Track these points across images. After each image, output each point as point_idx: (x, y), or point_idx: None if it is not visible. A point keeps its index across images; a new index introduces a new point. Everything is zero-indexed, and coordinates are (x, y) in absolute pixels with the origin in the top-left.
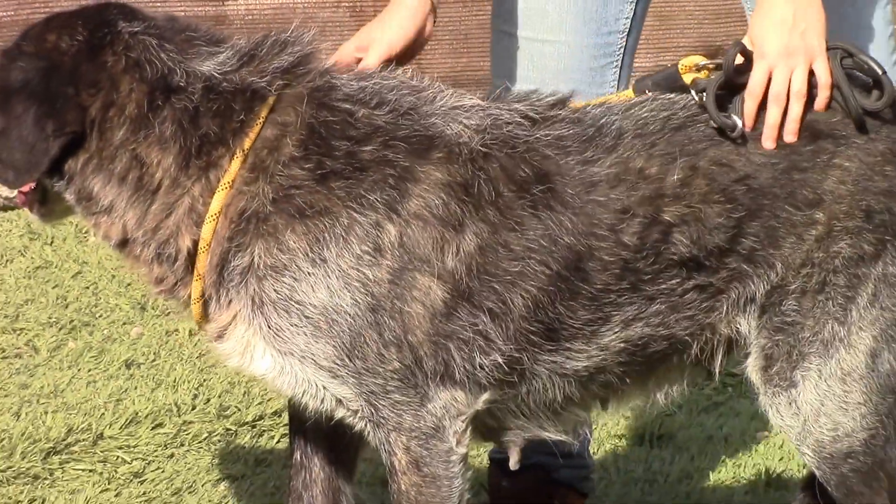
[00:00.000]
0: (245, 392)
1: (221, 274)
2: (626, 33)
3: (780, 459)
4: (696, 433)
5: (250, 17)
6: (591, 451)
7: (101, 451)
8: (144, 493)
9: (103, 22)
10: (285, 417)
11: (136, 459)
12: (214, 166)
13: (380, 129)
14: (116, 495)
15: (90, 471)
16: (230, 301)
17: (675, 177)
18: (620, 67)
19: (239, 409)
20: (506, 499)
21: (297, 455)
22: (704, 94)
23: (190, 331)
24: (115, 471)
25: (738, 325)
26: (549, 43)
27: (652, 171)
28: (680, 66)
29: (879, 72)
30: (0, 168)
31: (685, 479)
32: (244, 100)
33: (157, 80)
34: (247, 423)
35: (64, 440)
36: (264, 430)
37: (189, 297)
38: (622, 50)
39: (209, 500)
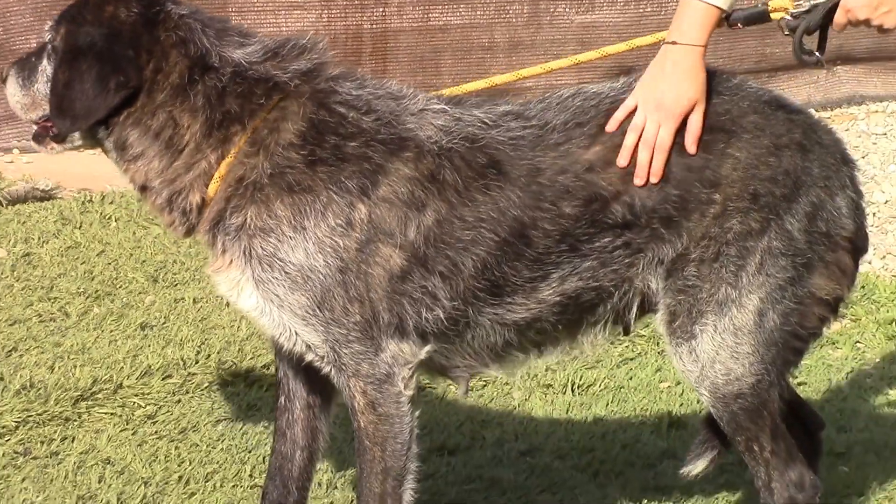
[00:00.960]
0: (239, 349)
1: (218, 227)
2: None
3: (680, 406)
4: (611, 384)
5: None
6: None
7: (121, 398)
8: (156, 432)
9: (154, 1)
10: (272, 370)
11: (149, 404)
12: (230, 140)
13: (364, 131)
14: (133, 434)
15: (111, 414)
16: (225, 250)
17: (613, 156)
18: None
19: (234, 363)
20: None
21: (282, 400)
22: (794, 32)
23: (194, 299)
24: (132, 414)
25: (650, 283)
26: None
27: (591, 155)
28: (770, 7)
29: None
30: (58, 115)
31: (601, 421)
32: (265, 88)
33: (198, 57)
34: (240, 374)
35: (90, 389)
36: (255, 381)
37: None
38: None
39: (209, 438)
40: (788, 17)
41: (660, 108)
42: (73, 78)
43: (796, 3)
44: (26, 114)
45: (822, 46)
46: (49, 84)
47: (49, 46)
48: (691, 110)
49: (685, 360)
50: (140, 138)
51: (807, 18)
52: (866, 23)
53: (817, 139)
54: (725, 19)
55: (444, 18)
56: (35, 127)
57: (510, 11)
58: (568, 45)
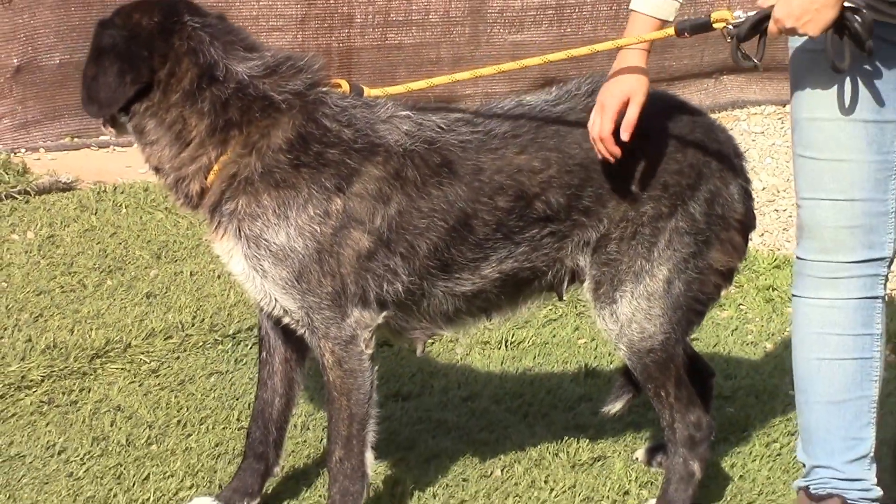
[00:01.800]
0: (228, 314)
1: (215, 210)
2: None
3: (594, 358)
4: (537, 340)
5: None
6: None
7: (129, 356)
8: (159, 384)
9: (174, 11)
10: (255, 331)
11: (153, 361)
12: (227, 142)
13: (344, 141)
14: (139, 385)
15: (121, 369)
16: (220, 226)
17: (536, 164)
18: None
19: (224, 326)
20: None
21: (264, 355)
22: (734, 39)
23: (191, 272)
24: (139, 369)
25: (578, 261)
26: (846, 161)
27: (521, 160)
28: (713, 17)
29: None
30: (87, 103)
31: (529, 372)
32: (262, 105)
33: (206, 67)
34: (229, 335)
35: (103, 348)
36: (241, 340)
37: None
38: None
39: (203, 388)
40: (730, 27)
41: (602, 106)
42: (98, 72)
43: (736, 14)
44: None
45: (760, 52)
46: None
47: None
48: (627, 101)
49: (607, 321)
50: (156, 128)
51: (742, 27)
52: (793, 31)
53: (714, 137)
54: (675, 30)
55: (399, 38)
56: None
57: (454, 32)
58: (502, 60)
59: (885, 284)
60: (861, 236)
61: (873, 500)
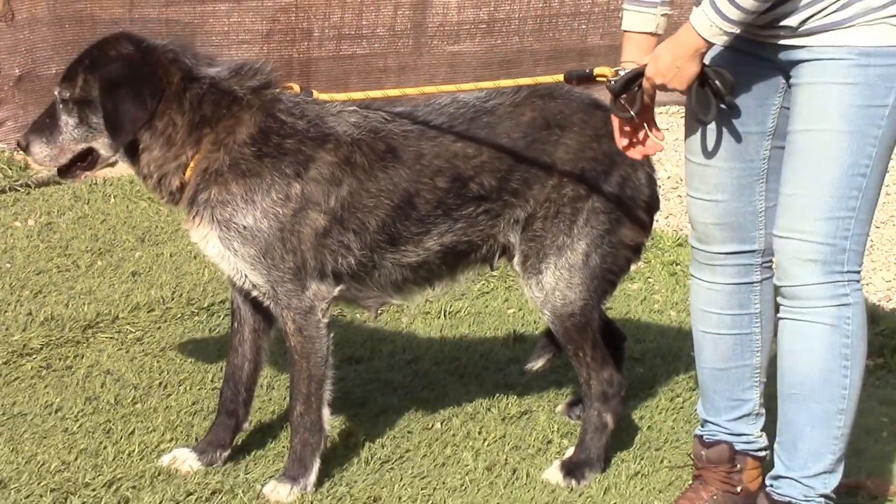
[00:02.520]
0: (203, 290)
1: (192, 202)
2: (765, 160)
3: (522, 325)
4: (472, 310)
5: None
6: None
7: (118, 326)
8: (143, 350)
9: (136, 40)
10: (227, 304)
11: (138, 331)
12: (200, 141)
13: (299, 131)
14: (126, 352)
15: (110, 338)
16: (197, 215)
17: (469, 150)
18: (766, 182)
19: (200, 300)
20: (706, 462)
21: (235, 325)
22: (611, 89)
23: (171, 254)
24: (126, 338)
25: (509, 237)
26: (709, 167)
27: (456, 147)
28: (595, 72)
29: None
30: (115, 134)
31: (465, 338)
32: (228, 100)
33: (187, 70)
34: (204, 308)
35: (95, 320)
36: (214, 312)
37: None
38: (765, 171)
39: (181, 354)
40: (611, 81)
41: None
42: (117, 103)
43: (616, 70)
44: (57, 161)
45: (634, 104)
46: (75, 131)
47: (61, 102)
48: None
49: (534, 290)
50: (149, 136)
51: (618, 83)
52: (663, 87)
53: None
54: (565, 77)
55: (352, 49)
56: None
57: (399, 44)
58: (441, 68)
59: (760, 270)
60: (729, 232)
61: (758, 449)
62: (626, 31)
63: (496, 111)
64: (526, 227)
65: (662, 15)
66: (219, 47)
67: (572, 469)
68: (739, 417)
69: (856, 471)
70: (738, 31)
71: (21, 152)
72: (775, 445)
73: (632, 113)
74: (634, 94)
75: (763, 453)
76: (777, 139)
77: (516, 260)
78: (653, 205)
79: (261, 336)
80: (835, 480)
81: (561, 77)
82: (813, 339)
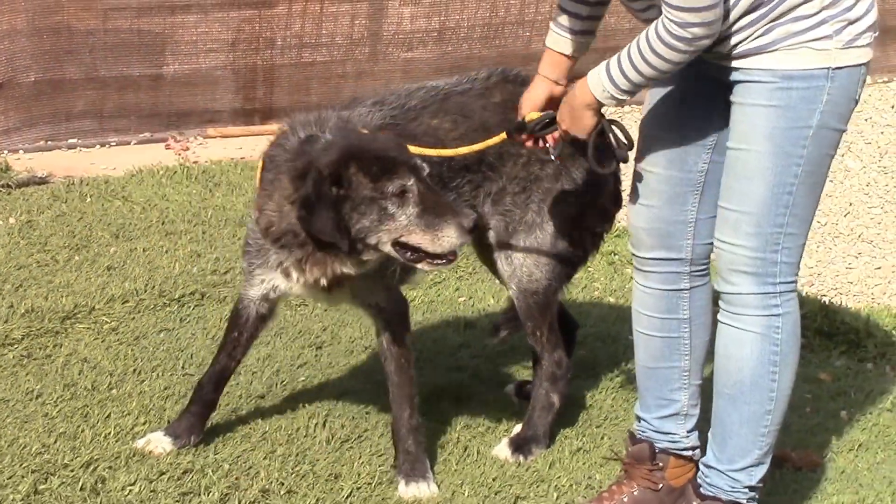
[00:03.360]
0: (174, 282)
1: None
2: (703, 172)
3: (472, 313)
4: (425, 299)
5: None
6: None
7: (94, 317)
8: (118, 339)
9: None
10: (196, 295)
11: (113, 321)
12: None
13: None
14: (102, 341)
15: (87, 328)
16: None
17: (447, 125)
18: (701, 193)
19: (171, 292)
20: (630, 459)
21: (235, 334)
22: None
23: (143, 248)
24: (102, 328)
25: (485, 209)
26: (649, 173)
27: (435, 122)
28: (526, 119)
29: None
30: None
31: (418, 324)
32: None
33: None
34: (175, 299)
35: (73, 311)
36: (185, 303)
37: None
38: (701, 184)
39: (154, 343)
40: (531, 125)
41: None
42: (315, 218)
43: (542, 115)
44: None
45: (557, 149)
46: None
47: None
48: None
49: (503, 263)
50: None
51: (536, 128)
52: (568, 133)
53: None
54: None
55: (312, 57)
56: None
57: (356, 52)
58: (396, 74)
59: (689, 278)
60: (657, 238)
61: (683, 449)
62: (547, 47)
63: (467, 93)
64: (497, 201)
65: (580, 41)
66: (187, 55)
67: (520, 445)
68: (667, 416)
69: (781, 444)
70: (628, 99)
71: (2, 155)
72: (709, 434)
73: (552, 156)
74: (539, 129)
75: (690, 452)
76: (717, 153)
77: (490, 233)
78: (617, 196)
79: (251, 343)
80: (761, 472)
81: (503, 136)
82: (745, 345)
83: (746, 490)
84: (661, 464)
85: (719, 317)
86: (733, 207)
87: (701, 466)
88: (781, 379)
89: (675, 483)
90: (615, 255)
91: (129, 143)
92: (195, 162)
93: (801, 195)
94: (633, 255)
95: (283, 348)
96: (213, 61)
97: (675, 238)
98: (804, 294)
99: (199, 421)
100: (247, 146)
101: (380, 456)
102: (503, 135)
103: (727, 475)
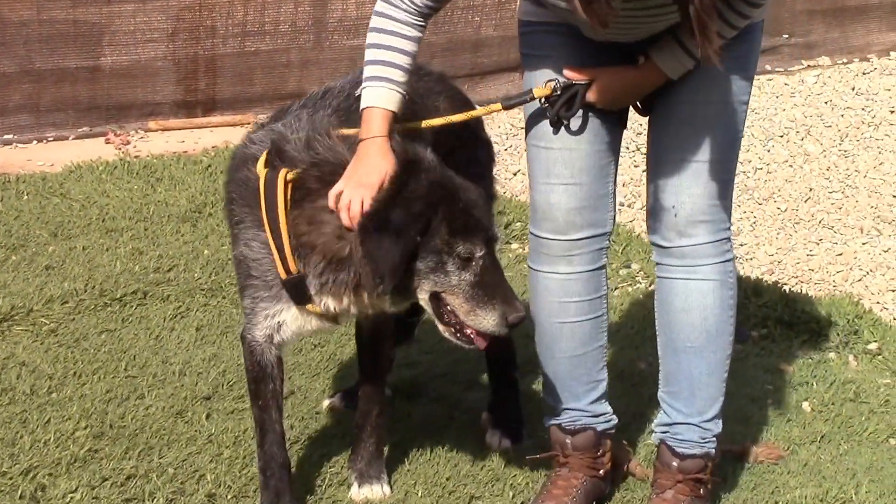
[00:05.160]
0: (115, 281)
1: None
2: (617, 142)
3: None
4: None
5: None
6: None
7: (32, 318)
8: (57, 341)
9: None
10: (140, 296)
11: (52, 322)
12: None
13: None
14: (41, 344)
15: (25, 330)
16: None
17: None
18: (615, 164)
19: (112, 291)
20: (572, 450)
21: (272, 386)
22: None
23: (83, 247)
24: (40, 329)
25: None
26: (575, 150)
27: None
28: (535, 91)
29: None
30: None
31: None
32: None
33: None
34: (116, 299)
35: (10, 313)
36: (127, 303)
37: None
38: (616, 153)
39: (95, 344)
40: (547, 102)
41: (360, 185)
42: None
43: (552, 87)
44: None
45: (570, 120)
46: None
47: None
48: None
49: None
50: None
51: (559, 101)
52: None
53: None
54: (502, 105)
55: (255, 46)
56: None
57: (301, 39)
58: (342, 63)
59: (606, 254)
60: (588, 215)
61: (612, 428)
62: (374, 107)
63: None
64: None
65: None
66: (126, 46)
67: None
68: (597, 399)
69: (742, 437)
70: None
71: None
72: (663, 396)
73: (564, 124)
74: (570, 116)
75: (613, 431)
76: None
77: None
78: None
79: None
80: (721, 421)
81: (499, 106)
82: (707, 294)
83: (714, 440)
84: (601, 450)
85: (669, 274)
86: (694, 158)
87: (663, 428)
88: (734, 320)
89: (609, 466)
90: None
91: (67, 138)
92: (136, 156)
93: (741, 143)
94: (557, 241)
95: (230, 347)
96: (153, 52)
97: (600, 212)
98: (767, 282)
99: (286, 486)
100: (189, 139)
101: (331, 457)
102: (498, 106)
103: (699, 427)
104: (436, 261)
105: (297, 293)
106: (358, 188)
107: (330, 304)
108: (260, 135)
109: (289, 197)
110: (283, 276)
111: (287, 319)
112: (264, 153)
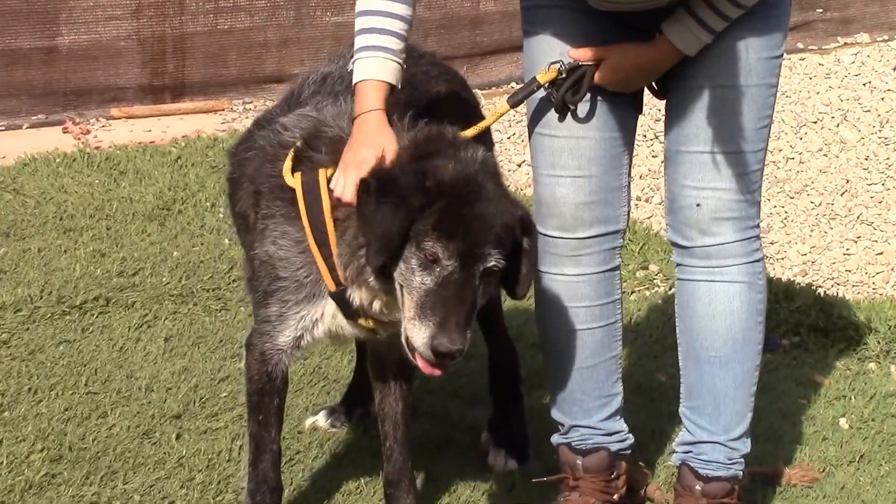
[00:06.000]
0: (74, 286)
1: None
2: (631, 130)
3: None
4: None
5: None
6: None
7: None
8: (10, 354)
9: None
10: (101, 301)
11: (4, 332)
12: None
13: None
14: None
15: None
16: None
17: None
18: (629, 154)
19: (71, 297)
20: (582, 472)
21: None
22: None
23: (38, 249)
24: None
25: None
26: (584, 139)
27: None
28: (539, 76)
29: None
30: None
31: None
32: None
33: None
34: (76, 306)
35: None
36: (87, 311)
37: None
38: (630, 142)
39: (52, 356)
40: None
41: (353, 164)
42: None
43: (558, 68)
44: None
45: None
46: None
47: None
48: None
49: None
50: None
51: (565, 85)
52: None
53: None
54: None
55: (229, 24)
56: None
57: (279, 16)
58: (326, 41)
59: (620, 254)
60: (598, 211)
61: (627, 448)
62: (369, 79)
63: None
64: None
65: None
66: (85, 24)
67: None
68: (611, 415)
69: (772, 458)
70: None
71: None
72: (685, 412)
73: (571, 109)
74: (577, 101)
75: (629, 452)
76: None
77: None
78: None
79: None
80: (750, 440)
81: (507, 107)
82: (734, 298)
83: (742, 461)
84: (615, 472)
85: (691, 275)
86: (718, 148)
87: (685, 447)
88: (763, 327)
89: (625, 490)
90: None
91: (20, 127)
92: (97, 147)
93: (770, 128)
94: (564, 240)
95: (202, 360)
96: (116, 30)
97: (613, 207)
98: (799, 284)
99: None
100: (156, 128)
101: (315, 482)
102: (505, 106)
103: (726, 446)
104: (411, 249)
105: (347, 306)
106: (350, 168)
107: (356, 296)
108: (293, 119)
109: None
110: (332, 287)
111: (320, 319)
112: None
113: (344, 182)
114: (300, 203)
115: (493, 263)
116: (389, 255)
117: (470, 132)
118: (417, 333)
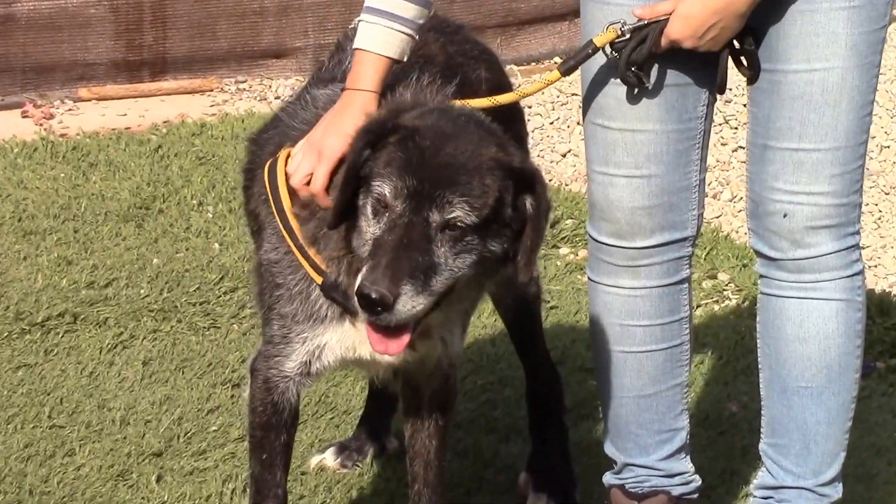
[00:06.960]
0: (35, 300)
1: None
2: (703, 119)
3: None
4: None
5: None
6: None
7: None
8: None
9: None
10: (66, 318)
11: None
12: None
13: None
14: None
15: None
16: None
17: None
18: (702, 148)
19: (31, 313)
20: None
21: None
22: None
23: None
24: None
25: None
26: (640, 132)
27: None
28: (597, 43)
29: None
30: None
31: None
32: None
33: None
34: (38, 323)
35: None
36: (51, 329)
37: None
38: (702, 134)
39: (10, 383)
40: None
41: (318, 148)
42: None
43: (619, 29)
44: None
45: (647, 71)
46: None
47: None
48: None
49: None
50: None
51: (629, 46)
52: (693, 48)
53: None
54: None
55: None
56: None
57: None
58: (334, 7)
59: (689, 264)
60: (660, 217)
61: (693, 492)
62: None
63: None
64: None
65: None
66: None
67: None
68: (673, 454)
69: (865, 502)
70: None
71: None
72: (766, 450)
73: (646, 82)
74: (642, 59)
75: (695, 496)
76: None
77: None
78: None
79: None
80: (842, 484)
81: (557, 75)
82: (830, 319)
83: None
84: None
85: (779, 291)
86: (814, 145)
87: (765, 492)
88: (862, 351)
89: None
90: None
91: None
92: (63, 135)
93: (872, 113)
94: (621, 249)
95: (188, 387)
96: None
97: (680, 212)
98: (892, 297)
99: None
100: (133, 111)
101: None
102: (556, 74)
103: (814, 492)
104: (364, 198)
105: (345, 299)
106: (310, 151)
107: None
108: (327, 93)
109: None
110: (318, 280)
111: (331, 342)
112: None
113: (299, 163)
114: (267, 190)
115: (456, 214)
116: (342, 204)
117: (508, 97)
118: (358, 279)
